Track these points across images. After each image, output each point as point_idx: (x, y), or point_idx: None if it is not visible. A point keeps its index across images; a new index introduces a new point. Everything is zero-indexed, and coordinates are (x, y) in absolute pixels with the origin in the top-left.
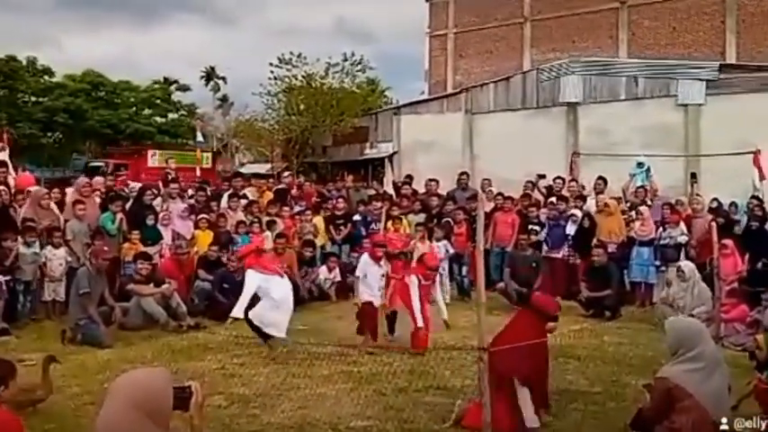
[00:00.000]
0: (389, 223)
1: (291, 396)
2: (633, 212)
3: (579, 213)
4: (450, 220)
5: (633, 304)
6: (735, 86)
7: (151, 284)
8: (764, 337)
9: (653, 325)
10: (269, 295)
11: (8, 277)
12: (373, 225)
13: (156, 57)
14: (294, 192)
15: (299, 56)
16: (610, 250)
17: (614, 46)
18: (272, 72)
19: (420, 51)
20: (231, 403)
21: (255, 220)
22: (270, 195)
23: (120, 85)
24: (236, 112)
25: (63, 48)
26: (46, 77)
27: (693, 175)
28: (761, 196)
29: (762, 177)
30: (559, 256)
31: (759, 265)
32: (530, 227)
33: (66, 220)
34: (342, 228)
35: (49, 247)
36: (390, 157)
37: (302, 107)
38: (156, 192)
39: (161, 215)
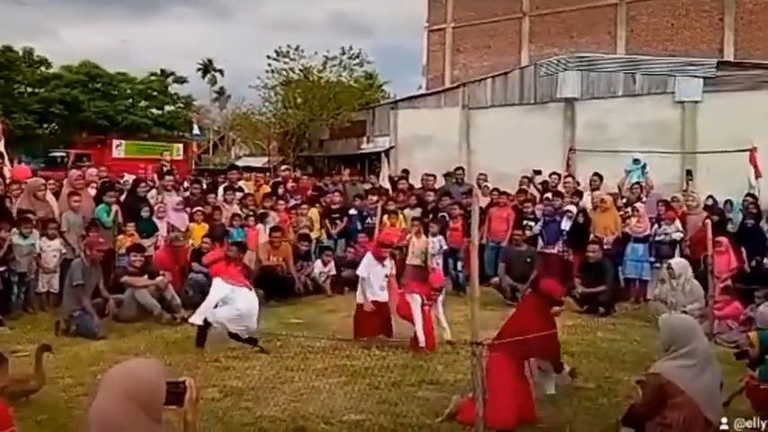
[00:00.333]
0: (386, 218)
1: (285, 389)
2: (629, 209)
3: (574, 209)
4: (445, 215)
5: (627, 300)
6: (732, 84)
7: (145, 276)
8: (757, 334)
9: (647, 321)
10: (234, 305)
11: (3, 268)
12: (369, 219)
13: (154, 49)
14: (290, 185)
15: (296, 49)
16: (605, 246)
17: (612, 42)
18: (269, 65)
19: (418, 46)
20: (224, 396)
21: (251, 213)
22: (267, 189)
23: (117, 76)
24: (233, 105)
25: (60, 39)
26: (42, 68)
27: (689, 172)
28: (756, 194)
29: (757, 175)
30: (554, 251)
31: (753, 262)
32: (524, 222)
33: (60, 212)
34: (338, 222)
35: (44, 239)
36: (387, 151)
37: (299, 100)
38: (150, 184)
39: (156, 207)
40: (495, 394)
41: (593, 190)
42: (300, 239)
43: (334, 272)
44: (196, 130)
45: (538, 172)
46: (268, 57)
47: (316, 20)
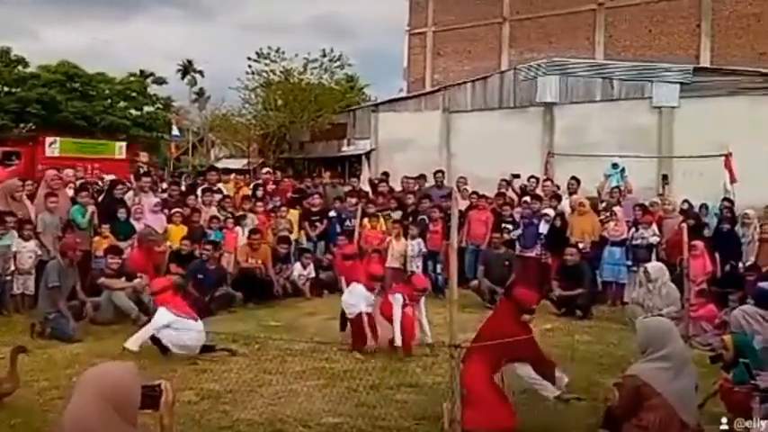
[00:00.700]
0: (366, 220)
1: (263, 392)
2: (609, 213)
3: (552, 213)
4: (425, 217)
5: (604, 303)
6: (708, 90)
7: (123, 279)
8: (731, 337)
9: (623, 324)
10: (180, 337)
11: None
12: (348, 222)
13: (134, 49)
14: (270, 187)
15: (277, 51)
16: (583, 249)
17: (591, 47)
18: (249, 66)
19: (399, 49)
20: (201, 399)
21: (229, 215)
22: (247, 191)
23: (96, 76)
24: (212, 106)
25: (39, 38)
26: (20, 68)
27: (665, 177)
28: (731, 198)
29: (732, 180)
30: (532, 254)
31: (728, 267)
32: (503, 225)
33: (36, 214)
34: (317, 224)
35: (19, 240)
36: (368, 154)
37: (280, 102)
38: (128, 185)
39: (133, 209)
40: (470, 398)
41: (570, 194)
42: (280, 242)
43: (313, 274)
44: (175, 132)
45: (516, 176)
46: (249, 58)
47: (297, 22)
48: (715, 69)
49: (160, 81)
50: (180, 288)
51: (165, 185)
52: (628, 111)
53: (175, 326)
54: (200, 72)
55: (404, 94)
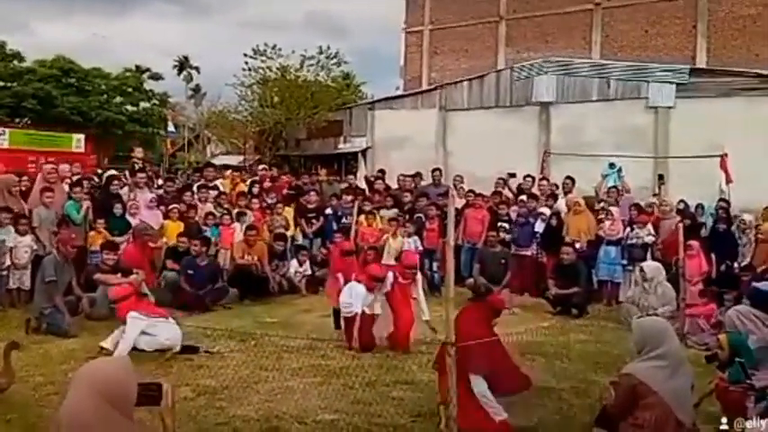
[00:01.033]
0: (363, 218)
1: (259, 389)
2: (606, 213)
3: (548, 212)
4: (422, 215)
5: (600, 302)
6: (704, 90)
7: (118, 274)
8: (726, 337)
9: (619, 323)
10: (157, 338)
11: None
12: (344, 219)
13: (130, 45)
14: (266, 184)
15: (273, 47)
16: (579, 248)
17: (587, 47)
18: (246, 63)
19: (396, 47)
20: (198, 395)
21: (225, 211)
22: (243, 187)
23: (92, 72)
24: (208, 103)
25: (36, 33)
26: (15, 62)
27: (661, 177)
28: (727, 198)
29: (728, 180)
30: (528, 253)
31: (723, 266)
32: (499, 224)
33: (30, 209)
34: (314, 221)
35: (15, 235)
36: (364, 151)
37: (276, 99)
38: (123, 181)
39: (129, 205)
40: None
41: (566, 193)
42: (276, 239)
43: (309, 271)
44: (171, 128)
45: (512, 175)
46: (245, 55)
47: (294, 20)
48: (711, 70)
49: (156, 77)
50: (143, 296)
51: (160, 182)
52: (624, 111)
53: (149, 330)
54: (197, 68)
55: (400, 92)
